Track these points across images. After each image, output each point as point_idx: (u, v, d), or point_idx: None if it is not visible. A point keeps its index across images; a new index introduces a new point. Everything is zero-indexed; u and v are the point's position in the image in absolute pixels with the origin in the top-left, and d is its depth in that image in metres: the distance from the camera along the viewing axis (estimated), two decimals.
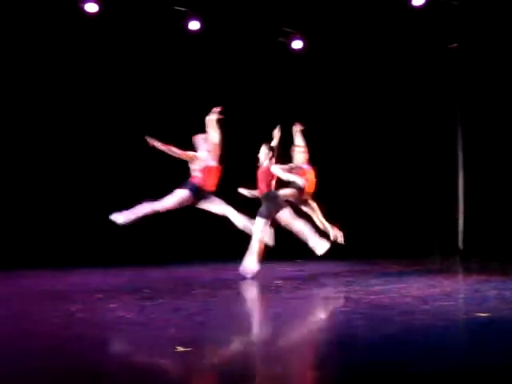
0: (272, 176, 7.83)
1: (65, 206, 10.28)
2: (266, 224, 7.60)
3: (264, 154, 7.90)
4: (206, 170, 7.38)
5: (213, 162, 7.54)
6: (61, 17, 9.83)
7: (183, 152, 7.48)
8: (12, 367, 3.50)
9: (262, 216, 7.60)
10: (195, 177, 7.39)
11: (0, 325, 4.70)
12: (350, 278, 7.75)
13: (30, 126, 10.15)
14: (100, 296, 6.12)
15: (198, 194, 7.40)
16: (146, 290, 6.51)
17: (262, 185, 7.85)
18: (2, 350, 3.90)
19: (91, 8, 9.59)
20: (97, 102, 10.64)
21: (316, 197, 8.66)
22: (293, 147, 8.74)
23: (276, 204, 7.75)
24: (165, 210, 7.40)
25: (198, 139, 7.66)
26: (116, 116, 10.74)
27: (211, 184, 7.48)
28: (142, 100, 10.97)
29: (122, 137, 10.73)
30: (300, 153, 8.59)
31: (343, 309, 5.43)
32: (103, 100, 10.70)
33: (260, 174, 7.92)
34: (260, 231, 7.55)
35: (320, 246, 7.80)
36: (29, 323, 4.77)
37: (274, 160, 7.91)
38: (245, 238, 11.13)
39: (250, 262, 7.61)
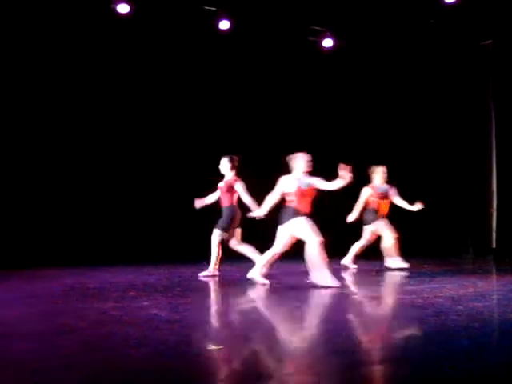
0: (234, 190, 7.88)
1: (97, 205, 10.39)
2: (220, 235, 7.76)
3: (225, 166, 7.89)
4: (300, 192, 6.87)
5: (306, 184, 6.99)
6: (93, 18, 9.94)
7: (272, 197, 6.99)
8: (46, 363, 3.56)
9: (219, 228, 7.77)
10: (291, 201, 6.89)
11: (35, 321, 4.78)
12: (381, 278, 7.71)
13: (69, 126, 10.27)
14: (133, 294, 6.18)
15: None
16: (178, 289, 6.56)
17: (224, 197, 7.90)
18: (37, 346, 3.97)
19: (123, 9, 9.68)
20: (127, 101, 10.73)
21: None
22: (373, 167, 9.06)
23: (233, 219, 7.81)
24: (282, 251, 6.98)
25: (296, 159, 7.06)
26: (146, 115, 10.83)
27: (307, 207, 6.94)
28: (174, 99, 11.04)
29: (155, 134, 10.83)
30: (380, 173, 9.00)
31: (376, 308, 5.40)
32: (134, 100, 10.79)
33: (223, 186, 7.93)
34: (216, 240, 7.77)
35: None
36: (63, 320, 4.85)
37: (234, 172, 7.92)
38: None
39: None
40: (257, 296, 6.30)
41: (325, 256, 6.76)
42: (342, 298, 6.30)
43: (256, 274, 6.94)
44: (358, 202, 8.98)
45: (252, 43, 11.04)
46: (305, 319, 5.03)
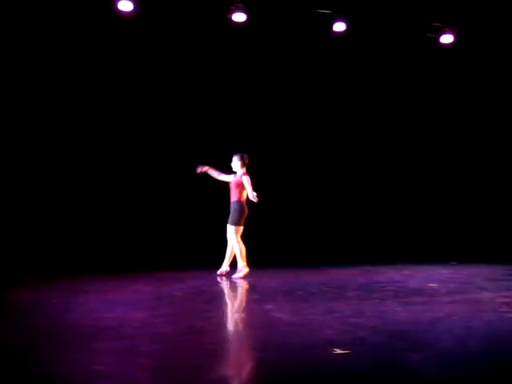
0: (243, 186, 8.18)
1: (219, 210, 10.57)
2: (236, 230, 8.08)
3: (236, 164, 8.29)
4: None
5: None
6: (209, 26, 10.19)
7: None
8: (170, 364, 3.66)
9: (232, 223, 8.11)
10: None
11: (160, 323, 4.90)
12: (510, 283, 7.31)
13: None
14: (256, 297, 6.25)
15: None
16: (299, 292, 6.56)
17: (233, 192, 8.24)
18: (162, 347, 4.08)
19: (239, 18, 9.85)
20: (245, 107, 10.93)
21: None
22: None
23: (242, 213, 8.13)
24: None
25: None
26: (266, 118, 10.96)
27: None
28: (292, 100, 11.11)
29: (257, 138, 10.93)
30: None
31: (507, 315, 5.12)
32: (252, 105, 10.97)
33: (233, 182, 8.27)
34: (233, 237, 8.10)
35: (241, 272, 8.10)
36: (188, 322, 4.96)
37: (245, 169, 8.27)
38: (392, 243, 10.93)
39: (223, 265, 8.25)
40: (379, 299, 6.15)
41: None
42: (466, 302, 6.04)
43: None
44: None
45: (368, 43, 10.90)
46: (433, 325, 4.85)
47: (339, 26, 10.25)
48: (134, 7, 9.37)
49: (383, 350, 4.00)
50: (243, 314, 5.25)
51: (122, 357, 3.79)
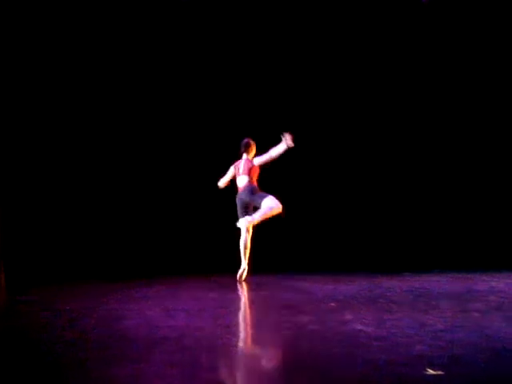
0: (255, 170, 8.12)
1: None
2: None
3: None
4: None
5: None
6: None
7: None
8: (239, 379, 3.44)
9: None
10: None
11: (229, 333, 4.64)
12: None
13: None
14: (333, 305, 5.80)
15: None
16: (381, 300, 6.09)
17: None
18: (225, 360, 3.81)
19: None
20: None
21: None
22: None
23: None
24: None
25: None
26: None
27: None
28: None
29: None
30: None
31: None
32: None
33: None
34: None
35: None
36: (259, 333, 4.72)
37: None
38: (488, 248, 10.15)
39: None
40: (478, 311, 5.48)
41: None
42: None
43: None
44: None
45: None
46: None
47: None
48: None
49: (484, 371, 3.47)
50: (319, 326, 4.79)
51: (180, 371, 3.49)
